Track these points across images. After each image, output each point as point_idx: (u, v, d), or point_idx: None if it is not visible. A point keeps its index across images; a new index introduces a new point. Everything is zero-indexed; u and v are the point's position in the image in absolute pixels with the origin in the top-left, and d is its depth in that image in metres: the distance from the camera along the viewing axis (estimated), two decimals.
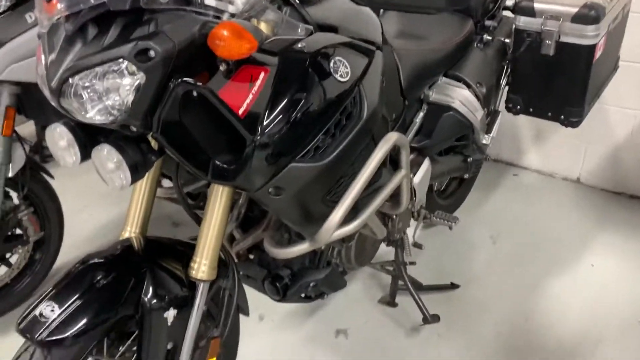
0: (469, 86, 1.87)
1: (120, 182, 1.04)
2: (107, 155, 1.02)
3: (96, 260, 1.17)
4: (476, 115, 1.88)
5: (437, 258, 2.30)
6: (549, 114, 1.92)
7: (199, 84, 0.98)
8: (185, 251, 1.27)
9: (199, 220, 1.30)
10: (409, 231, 1.89)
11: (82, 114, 0.97)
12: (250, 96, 1.03)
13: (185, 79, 0.97)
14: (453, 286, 2.13)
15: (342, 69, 1.15)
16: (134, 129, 1.00)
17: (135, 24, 0.96)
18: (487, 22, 1.98)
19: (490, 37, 1.96)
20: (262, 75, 1.05)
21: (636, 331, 1.96)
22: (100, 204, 2.74)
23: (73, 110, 0.98)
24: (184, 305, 1.20)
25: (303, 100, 1.09)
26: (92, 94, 0.96)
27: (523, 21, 1.83)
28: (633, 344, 1.92)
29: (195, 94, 0.99)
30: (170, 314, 1.17)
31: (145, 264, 1.18)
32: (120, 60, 0.93)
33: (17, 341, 1.99)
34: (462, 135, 1.94)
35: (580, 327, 1.99)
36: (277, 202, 1.14)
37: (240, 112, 1.02)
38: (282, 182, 1.11)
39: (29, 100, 1.93)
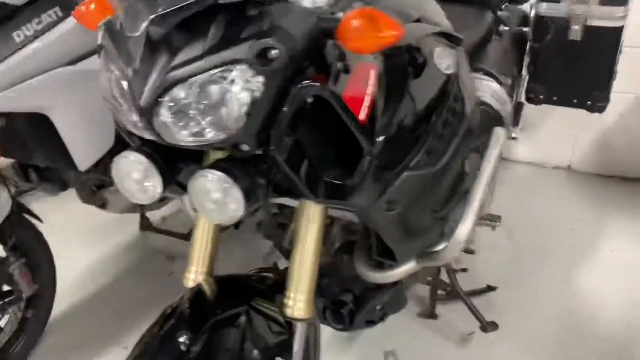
0: (496, 79, 1.80)
1: (232, 213, 0.85)
2: (215, 183, 0.83)
3: (178, 318, 0.97)
4: (506, 108, 1.81)
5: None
6: (575, 101, 1.89)
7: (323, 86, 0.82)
8: (269, 287, 1.09)
9: (282, 249, 1.13)
10: None
11: (182, 134, 0.79)
12: (367, 98, 0.88)
13: (309, 82, 0.80)
14: (490, 289, 2.05)
15: (445, 61, 1.02)
16: (246, 147, 0.82)
17: (241, 21, 0.78)
18: (501, 13, 1.93)
19: (507, 28, 1.90)
20: (372, 73, 0.90)
21: None
22: (78, 244, 2.45)
23: (168, 132, 0.79)
24: (286, 349, 1.02)
25: (413, 98, 0.95)
26: (196, 110, 0.78)
27: (546, 7, 1.78)
28: None
29: (309, 100, 0.83)
30: None
31: (238, 311, 0.99)
32: (236, 64, 0.75)
33: None
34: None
35: (623, 311, 1.96)
36: (388, 218, 0.99)
37: (361, 117, 0.87)
38: (396, 194, 0.96)
39: (9, 135, 1.67)
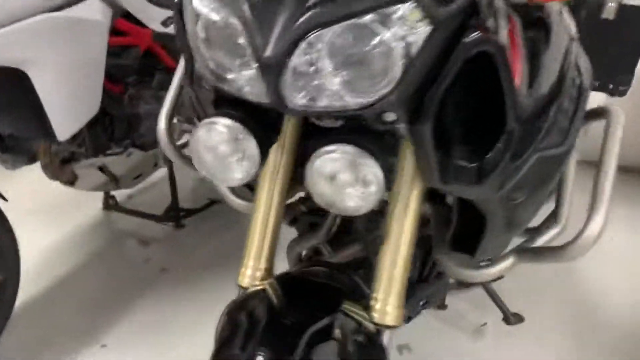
0: None
1: (369, 197, 0.66)
2: (350, 162, 0.63)
3: (243, 335, 0.77)
4: None
5: None
6: (597, 84, 1.81)
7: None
8: (346, 287, 0.92)
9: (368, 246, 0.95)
10: None
11: (312, 98, 0.59)
12: (520, 61, 0.71)
13: (478, 33, 0.62)
14: (500, 277, 1.95)
15: (568, 22, 0.88)
16: (392, 117, 0.63)
17: None
18: None
19: None
20: (516, 30, 0.74)
21: None
22: (34, 222, 2.13)
23: (293, 95, 0.59)
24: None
25: (547, 65, 0.80)
26: (336, 65, 0.58)
27: None
28: None
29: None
30: None
31: (330, 320, 0.81)
32: (400, 3, 0.56)
33: None
34: None
35: (627, 298, 1.94)
36: (509, 208, 0.84)
37: (516, 82, 0.70)
38: (524, 180, 0.81)
39: None
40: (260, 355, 0.76)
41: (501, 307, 1.69)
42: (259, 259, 0.92)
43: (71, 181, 1.83)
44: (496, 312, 1.74)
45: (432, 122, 0.64)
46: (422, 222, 1.06)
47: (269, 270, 0.93)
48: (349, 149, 0.64)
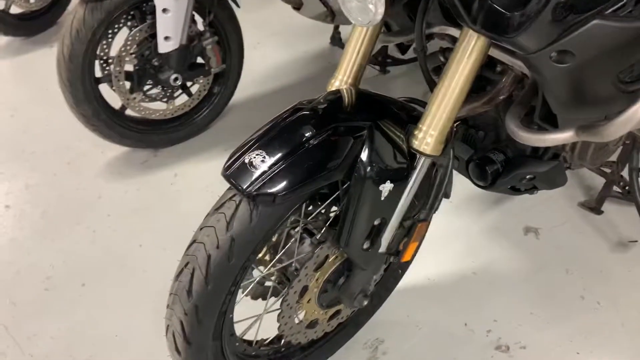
0: None
1: (370, 14, 0.79)
2: None
3: (308, 111, 0.98)
4: None
5: None
6: None
7: None
8: (404, 114, 1.05)
9: (432, 83, 1.06)
10: None
11: None
12: None
13: None
14: None
15: None
16: None
17: None
18: None
19: None
20: None
21: None
22: (273, 42, 2.58)
23: None
24: (401, 179, 1.01)
25: None
26: None
27: None
28: None
29: None
30: (386, 187, 0.99)
31: (362, 124, 0.98)
32: None
33: (198, 168, 1.93)
34: None
35: None
36: (557, 71, 0.85)
37: None
38: (574, 44, 0.80)
39: None
40: (307, 129, 0.95)
41: None
42: (347, 72, 1.11)
43: (298, 7, 2.16)
44: None
45: None
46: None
47: (354, 83, 1.11)
48: None
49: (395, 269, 1.40)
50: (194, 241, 0.95)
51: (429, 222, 1.16)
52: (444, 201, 1.79)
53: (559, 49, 0.81)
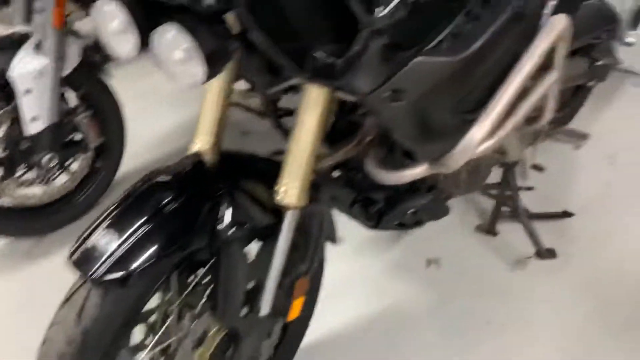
0: None
1: (192, 78, 0.77)
2: (174, 39, 0.75)
3: (163, 178, 0.94)
4: (624, 4, 1.48)
5: (545, 181, 1.98)
6: None
7: None
8: (269, 170, 1.02)
9: (286, 133, 1.04)
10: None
11: None
12: None
13: None
14: (565, 214, 1.83)
15: None
16: (210, 1, 0.71)
17: None
18: None
19: None
20: None
21: None
22: (162, 108, 2.53)
23: None
24: (269, 236, 0.97)
25: None
26: None
27: None
28: None
29: None
30: (253, 247, 0.94)
31: (223, 185, 0.94)
32: None
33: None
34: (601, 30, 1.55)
35: None
36: (394, 110, 0.85)
37: None
38: (403, 82, 0.81)
39: None
40: (166, 194, 0.90)
41: (535, 239, 1.60)
42: (207, 135, 1.07)
43: None
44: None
45: (249, 7, 0.70)
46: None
47: (216, 143, 1.07)
48: (178, 27, 0.73)
49: (296, 326, 1.35)
50: (44, 342, 0.86)
51: (310, 274, 1.12)
52: (342, 246, 1.77)
53: (392, 88, 0.82)
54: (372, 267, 1.72)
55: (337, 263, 1.72)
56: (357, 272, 1.70)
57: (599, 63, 1.73)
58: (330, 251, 1.70)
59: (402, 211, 1.30)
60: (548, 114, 1.11)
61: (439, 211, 1.38)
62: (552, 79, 1.01)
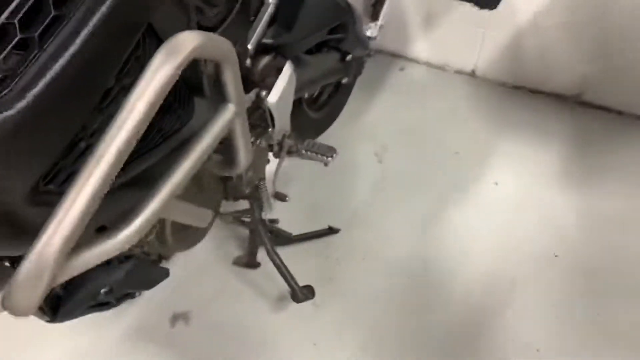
0: None
1: None
2: None
3: None
4: None
5: (309, 192, 1.76)
6: None
7: None
8: None
9: None
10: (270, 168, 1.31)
11: None
12: None
13: None
14: (332, 231, 1.62)
15: None
16: None
17: None
18: None
19: None
20: None
21: (554, 266, 1.59)
22: None
23: None
24: None
25: None
26: None
27: None
28: (550, 281, 1.55)
29: None
30: None
31: None
32: None
33: None
34: (338, 24, 1.33)
35: (487, 269, 1.58)
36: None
37: None
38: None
39: None
40: None
41: (288, 280, 1.35)
42: None
43: None
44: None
45: None
46: None
47: None
48: None
49: None
50: None
51: None
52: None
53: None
54: (100, 341, 1.34)
55: (65, 339, 1.33)
56: (89, 345, 1.31)
57: (350, 57, 1.54)
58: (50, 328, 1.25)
59: (88, 295, 0.94)
60: (243, 159, 0.81)
61: (151, 278, 1.05)
62: (228, 115, 0.71)
